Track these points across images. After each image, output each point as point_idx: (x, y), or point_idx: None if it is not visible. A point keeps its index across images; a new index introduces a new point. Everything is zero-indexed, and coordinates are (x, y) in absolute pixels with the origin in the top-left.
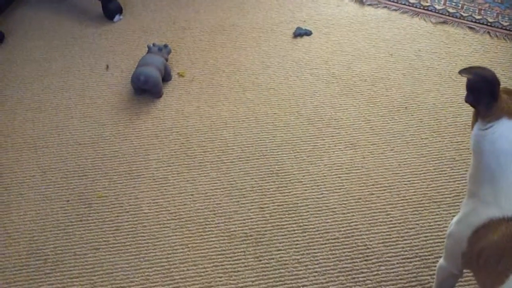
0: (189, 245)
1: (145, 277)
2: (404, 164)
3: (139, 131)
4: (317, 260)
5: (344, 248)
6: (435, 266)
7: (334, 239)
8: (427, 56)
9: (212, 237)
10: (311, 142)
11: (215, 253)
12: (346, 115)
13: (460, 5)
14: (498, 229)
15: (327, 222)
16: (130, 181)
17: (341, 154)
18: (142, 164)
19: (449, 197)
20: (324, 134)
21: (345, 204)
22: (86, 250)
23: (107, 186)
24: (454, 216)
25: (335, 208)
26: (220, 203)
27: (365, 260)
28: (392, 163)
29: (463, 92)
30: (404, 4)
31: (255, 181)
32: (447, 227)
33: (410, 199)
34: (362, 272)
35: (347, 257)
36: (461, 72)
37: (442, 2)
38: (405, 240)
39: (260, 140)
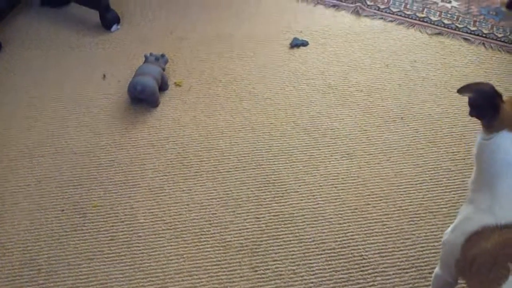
0: (184, 256)
1: None
2: (400, 174)
3: (135, 140)
4: (313, 270)
5: (340, 259)
6: (431, 277)
7: (330, 249)
8: (423, 67)
9: (207, 248)
10: (307, 152)
11: (210, 264)
12: (342, 125)
13: (455, 16)
14: (490, 237)
15: (323, 232)
16: (126, 190)
17: (337, 164)
18: (138, 174)
19: (445, 207)
20: (320, 144)
21: (341, 214)
22: (80, 261)
23: (102, 196)
24: (450, 226)
25: (331, 218)
26: (215, 213)
27: (361, 271)
28: (388, 173)
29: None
30: (400, 16)
31: (251, 191)
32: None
33: (406, 209)
34: (358, 283)
35: (343, 268)
36: (460, 90)
37: (437, 14)
38: (401, 250)
39: (256, 150)
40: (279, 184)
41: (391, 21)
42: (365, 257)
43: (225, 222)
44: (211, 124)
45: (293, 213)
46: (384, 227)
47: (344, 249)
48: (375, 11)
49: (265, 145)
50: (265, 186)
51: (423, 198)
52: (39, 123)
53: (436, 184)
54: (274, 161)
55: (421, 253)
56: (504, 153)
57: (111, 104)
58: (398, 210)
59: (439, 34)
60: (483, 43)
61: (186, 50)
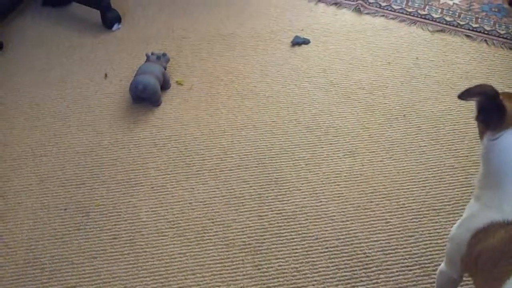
0: (187, 254)
1: (143, 286)
2: (403, 172)
3: (138, 139)
4: (316, 268)
5: (343, 257)
6: (435, 274)
7: (333, 247)
8: (425, 64)
9: (210, 246)
10: (309, 150)
11: (213, 262)
12: (345, 123)
13: (457, 13)
14: (497, 233)
15: (326, 230)
16: (128, 189)
17: (339, 162)
18: (141, 173)
19: (448, 205)
20: (322, 142)
21: (344, 212)
22: (83, 259)
23: (105, 195)
24: (453, 223)
25: (334, 216)
26: (218, 212)
27: (365, 269)
28: (391, 170)
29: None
30: (402, 13)
31: (254, 189)
32: (446, 234)
33: (409, 206)
34: (362, 281)
35: (346, 266)
36: (462, 96)
37: (439, 11)
38: (405, 248)
39: (259, 148)
40: (281, 182)
41: (393, 18)
42: (368, 254)
43: (228, 220)
44: (213, 123)
45: (296, 211)
46: (387, 224)
47: (347, 247)
48: (377, 8)
49: (267, 144)
50: (268, 184)
51: (426, 195)
52: (41, 122)
53: (439, 182)
54: (276, 159)
55: (424, 250)
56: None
57: (113, 103)
58: (401, 207)
59: (441, 31)
60: (485, 40)
61: (187, 49)
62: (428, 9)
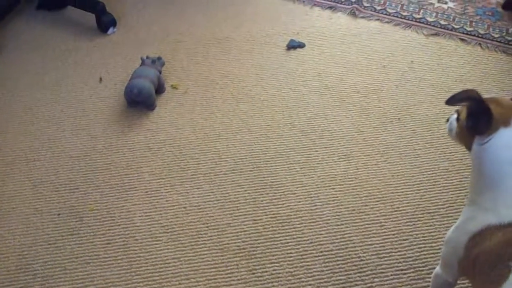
0: (181, 259)
1: None
2: (398, 175)
3: (132, 143)
4: (311, 272)
5: (338, 260)
6: (430, 277)
7: (328, 251)
8: (420, 68)
9: (204, 251)
10: (304, 153)
11: (207, 267)
12: (340, 127)
13: (451, 17)
14: (494, 236)
15: (321, 234)
16: (122, 194)
17: (334, 166)
18: (135, 177)
19: (443, 208)
20: (317, 146)
21: (338, 215)
22: (76, 265)
23: (98, 199)
24: (448, 226)
25: (328, 220)
26: (213, 216)
27: (359, 272)
28: (386, 174)
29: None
30: (397, 17)
31: (248, 193)
32: (441, 238)
33: (404, 210)
34: (356, 285)
35: (341, 269)
36: (449, 101)
37: (434, 15)
38: (399, 251)
39: (254, 152)
40: (276, 186)
41: (388, 22)
42: (363, 258)
43: (223, 225)
44: (208, 127)
45: (291, 215)
46: (382, 228)
47: (342, 251)
48: (372, 12)
49: (262, 147)
50: (262, 188)
51: (420, 198)
52: (35, 126)
53: (434, 185)
54: (271, 163)
55: (419, 254)
56: (507, 151)
57: (107, 107)
58: (396, 211)
59: (435, 35)
60: (480, 44)
61: (182, 52)
62: (422, 13)
